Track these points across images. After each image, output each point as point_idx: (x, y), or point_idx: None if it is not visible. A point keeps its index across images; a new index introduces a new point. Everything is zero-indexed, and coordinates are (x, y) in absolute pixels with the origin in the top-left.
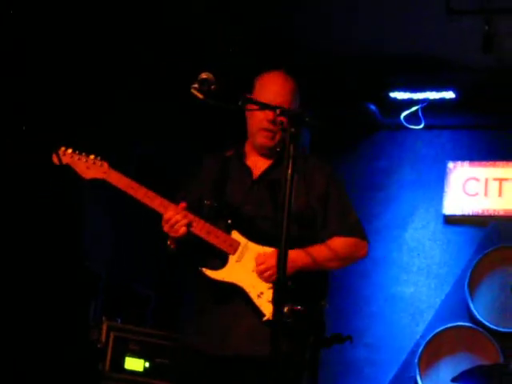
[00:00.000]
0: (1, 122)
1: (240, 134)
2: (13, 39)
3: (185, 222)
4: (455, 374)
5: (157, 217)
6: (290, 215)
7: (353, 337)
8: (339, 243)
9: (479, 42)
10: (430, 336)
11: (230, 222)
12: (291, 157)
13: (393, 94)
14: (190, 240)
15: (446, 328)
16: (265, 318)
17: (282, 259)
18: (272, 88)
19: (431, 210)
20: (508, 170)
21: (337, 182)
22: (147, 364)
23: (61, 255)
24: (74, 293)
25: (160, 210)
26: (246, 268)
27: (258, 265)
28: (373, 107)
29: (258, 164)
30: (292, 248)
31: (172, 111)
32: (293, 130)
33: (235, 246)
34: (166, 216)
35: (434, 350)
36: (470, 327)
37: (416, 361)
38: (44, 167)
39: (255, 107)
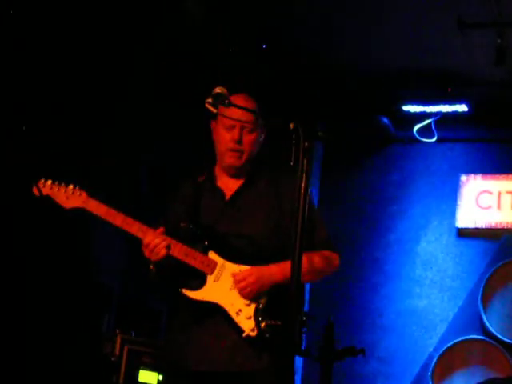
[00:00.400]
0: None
1: None
2: (13, 40)
3: (164, 244)
4: None
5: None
6: (303, 227)
7: (365, 350)
8: (311, 258)
9: (492, 55)
10: (443, 349)
11: (206, 243)
12: (305, 171)
13: (406, 108)
14: (170, 263)
15: (459, 341)
16: (244, 334)
17: (295, 270)
18: (234, 110)
19: (444, 222)
20: None
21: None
22: (161, 377)
23: (71, 269)
24: (86, 306)
25: (139, 235)
26: (224, 287)
27: (237, 282)
28: (386, 120)
29: (228, 185)
30: (266, 263)
31: (173, 111)
32: (306, 143)
33: (212, 266)
34: (146, 241)
35: (446, 363)
36: (483, 340)
37: (429, 374)
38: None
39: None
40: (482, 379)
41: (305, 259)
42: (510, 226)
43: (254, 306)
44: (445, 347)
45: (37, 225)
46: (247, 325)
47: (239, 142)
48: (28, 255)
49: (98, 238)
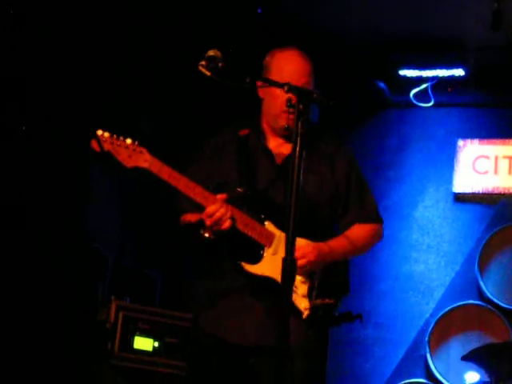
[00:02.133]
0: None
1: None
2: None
3: (229, 215)
4: (465, 352)
5: (164, 198)
6: (298, 196)
7: (362, 316)
8: (359, 233)
9: (488, 20)
10: (440, 314)
11: (263, 216)
12: (299, 134)
13: (402, 72)
14: (228, 233)
15: (456, 306)
16: (304, 316)
17: (289, 243)
18: (291, 68)
19: (441, 188)
20: None
21: (357, 168)
22: (156, 343)
23: (66, 237)
24: (80, 274)
25: (201, 201)
26: (279, 260)
27: (297, 259)
28: (382, 85)
29: (280, 148)
30: (322, 234)
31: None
32: (301, 106)
33: (271, 238)
34: (209, 210)
35: (443, 328)
36: (480, 305)
37: (426, 339)
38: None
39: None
40: (478, 344)
41: (347, 239)
42: (506, 191)
43: (308, 283)
44: (441, 313)
45: (33, 186)
46: (302, 303)
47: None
48: (21, 223)
49: (94, 204)
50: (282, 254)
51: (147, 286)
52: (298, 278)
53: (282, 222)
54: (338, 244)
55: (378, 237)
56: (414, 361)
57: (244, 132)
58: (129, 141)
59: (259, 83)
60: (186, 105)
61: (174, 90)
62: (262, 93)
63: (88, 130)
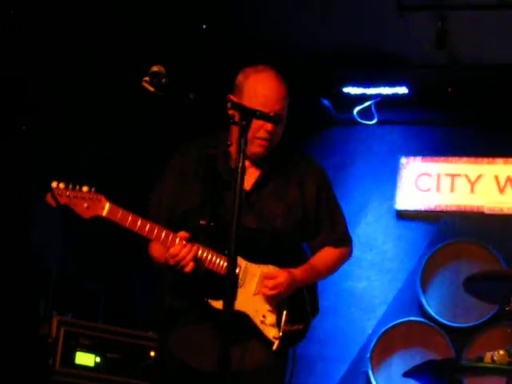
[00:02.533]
0: None
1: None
2: None
3: (191, 256)
4: (407, 368)
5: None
6: (240, 210)
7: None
8: (329, 257)
9: (432, 38)
10: (382, 331)
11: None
12: (242, 150)
13: (346, 89)
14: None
15: (398, 323)
16: (274, 347)
17: (231, 257)
18: (266, 93)
19: (384, 205)
20: (460, 166)
21: (327, 189)
22: (98, 359)
23: (6, 251)
24: (22, 288)
25: (164, 243)
26: (248, 292)
27: (267, 285)
28: (326, 102)
29: (249, 174)
30: (288, 261)
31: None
32: (244, 122)
33: (237, 270)
34: (172, 252)
35: (386, 344)
36: (422, 322)
37: (368, 356)
38: None
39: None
40: (421, 361)
41: (323, 263)
42: (448, 209)
43: (275, 311)
44: (384, 329)
45: None
46: (272, 333)
47: (271, 132)
48: None
49: (37, 218)
50: (248, 284)
51: (90, 300)
52: (266, 308)
53: (248, 251)
54: (306, 272)
55: (346, 258)
56: (356, 377)
57: (214, 151)
58: (85, 189)
59: (232, 99)
60: (135, 124)
61: (120, 108)
62: (232, 112)
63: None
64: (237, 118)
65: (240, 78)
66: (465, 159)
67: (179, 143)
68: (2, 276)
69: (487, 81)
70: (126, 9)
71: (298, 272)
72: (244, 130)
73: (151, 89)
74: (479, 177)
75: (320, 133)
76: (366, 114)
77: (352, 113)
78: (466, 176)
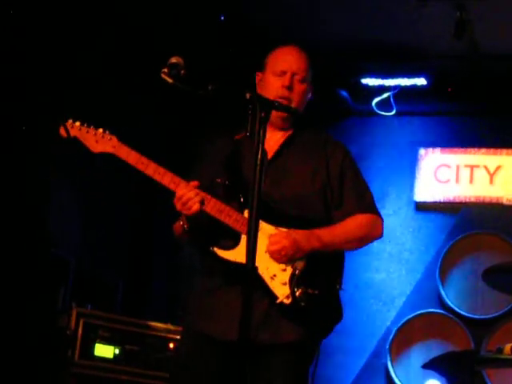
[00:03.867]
0: None
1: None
2: None
3: (198, 198)
4: (426, 360)
5: (125, 205)
6: (259, 199)
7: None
8: (356, 222)
9: (451, 29)
10: (401, 323)
11: (242, 200)
12: (261, 142)
13: (364, 81)
14: (202, 220)
15: (417, 315)
16: (278, 301)
17: (251, 242)
18: (287, 57)
19: (402, 196)
20: (479, 157)
21: (352, 162)
22: (117, 351)
23: (26, 241)
24: (41, 280)
25: (171, 186)
26: (259, 249)
27: (271, 244)
28: (344, 93)
29: (270, 142)
30: (310, 228)
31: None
32: (263, 114)
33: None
34: (179, 193)
35: (405, 336)
36: (441, 314)
37: (387, 347)
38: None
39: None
40: (440, 352)
41: (342, 227)
42: (468, 200)
43: (290, 271)
44: (403, 321)
45: None
46: (281, 291)
47: (289, 87)
48: None
49: (55, 210)
50: (259, 241)
51: (108, 292)
52: (278, 266)
53: (264, 211)
54: (324, 231)
55: (376, 229)
56: (375, 369)
57: (239, 136)
58: (100, 130)
59: (257, 79)
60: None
61: (120, 108)
62: (259, 89)
63: (57, 118)
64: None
65: (268, 55)
66: (484, 150)
67: (205, 134)
68: (21, 268)
69: (507, 70)
70: (135, 5)
71: (313, 231)
72: (263, 122)
73: (170, 80)
74: (498, 168)
75: (338, 124)
76: (384, 105)
77: (370, 104)
78: (485, 167)
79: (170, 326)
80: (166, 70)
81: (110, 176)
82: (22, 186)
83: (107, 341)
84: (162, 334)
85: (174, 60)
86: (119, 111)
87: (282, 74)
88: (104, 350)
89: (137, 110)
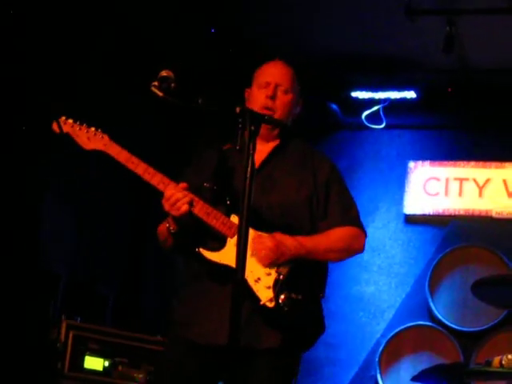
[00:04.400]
0: None
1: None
2: None
3: (186, 200)
4: (415, 372)
5: (117, 217)
6: (249, 210)
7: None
8: (339, 233)
9: (440, 43)
10: (391, 335)
11: (228, 203)
12: (251, 155)
13: (354, 94)
14: (189, 221)
15: (407, 327)
16: (261, 303)
17: (240, 252)
18: (271, 70)
19: (392, 209)
20: (468, 170)
21: (339, 176)
22: (107, 363)
23: (16, 254)
24: (31, 292)
25: (160, 187)
26: None
27: (254, 245)
28: (334, 106)
29: (258, 149)
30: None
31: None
32: (252, 127)
33: (234, 228)
34: (167, 194)
35: (394, 349)
36: (431, 326)
37: (376, 360)
38: None
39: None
40: (429, 365)
41: (324, 236)
42: (457, 213)
43: (274, 275)
44: (392, 333)
45: None
46: (265, 294)
47: (272, 97)
48: None
49: (46, 220)
50: None
51: (98, 304)
52: (264, 270)
53: (257, 223)
54: (307, 239)
55: (358, 242)
56: (365, 381)
57: (227, 146)
58: (92, 128)
59: (246, 95)
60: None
61: (120, 109)
62: (248, 105)
63: (51, 115)
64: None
65: (255, 72)
66: (473, 163)
67: (194, 148)
68: (11, 279)
69: (495, 85)
70: (132, 10)
71: (296, 238)
72: (253, 135)
73: (160, 94)
74: (487, 181)
75: (328, 137)
76: (374, 118)
77: (360, 117)
78: (475, 180)
79: (159, 339)
80: (156, 83)
81: (103, 188)
82: (13, 197)
83: (97, 353)
84: (152, 347)
85: (164, 73)
86: (118, 112)
87: (266, 85)
88: (94, 363)
89: (136, 110)
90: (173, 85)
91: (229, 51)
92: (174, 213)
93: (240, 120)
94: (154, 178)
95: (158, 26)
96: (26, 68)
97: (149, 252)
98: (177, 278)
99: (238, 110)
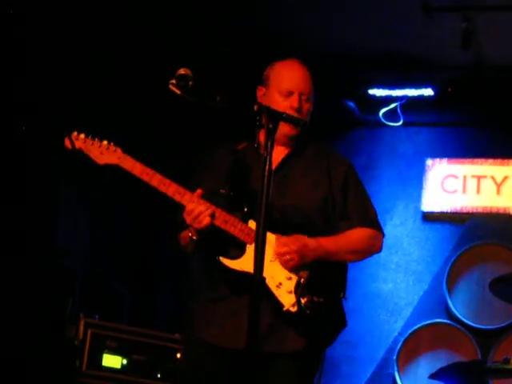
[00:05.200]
0: None
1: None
2: None
3: (208, 212)
4: (433, 370)
5: (132, 214)
6: (266, 210)
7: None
8: (359, 234)
9: (458, 39)
10: (409, 333)
11: (246, 210)
12: (269, 153)
13: (371, 91)
14: (210, 230)
15: (425, 325)
16: (284, 309)
17: (258, 254)
18: (292, 76)
19: (410, 206)
20: (486, 168)
21: (355, 176)
22: (125, 361)
23: (34, 252)
24: (50, 290)
25: (176, 197)
26: (265, 258)
27: (278, 248)
28: (351, 104)
29: (274, 154)
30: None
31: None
32: (270, 125)
33: (253, 235)
34: (189, 207)
35: (412, 346)
36: (448, 324)
37: (394, 358)
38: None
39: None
40: (447, 363)
41: (345, 238)
42: (475, 210)
43: (295, 279)
44: (410, 331)
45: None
46: (287, 299)
47: (298, 110)
48: None
49: (63, 220)
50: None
51: (115, 302)
52: (284, 274)
53: (268, 220)
54: (328, 240)
55: (376, 244)
56: (382, 379)
57: (241, 146)
58: (104, 142)
59: (260, 94)
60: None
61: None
62: (263, 102)
63: (63, 130)
64: (263, 121)
65: (267, 69)
66: (491, 161)
67: (205, 146)
68: (29, 277)
69: None
70: (143, 10)
71: (317, 239)
72: (271, 133)
73: (178, 92)
74: (505, 178)
75: (345, 135)
76: (391, 115)
77: (378, 114)
78: (492, 177)
79: (177, 336)
80: (174, 81)
81: (118, 186)
82: (29, 195)
83: (115, 351)
84: (170, 344)
85: (182, 71)
86: (119, 119)
87: (288, 94)
88: (112, 361)
89: (136, 118)
90: (190, 83)
91: (245, 50)
92: (197, 226)
93: (258, 118)
94: (170, 188)
95: (171, 24)
96: (26, 68)
97: (165, 250)
98: (191, 277)
99: (256, 107)
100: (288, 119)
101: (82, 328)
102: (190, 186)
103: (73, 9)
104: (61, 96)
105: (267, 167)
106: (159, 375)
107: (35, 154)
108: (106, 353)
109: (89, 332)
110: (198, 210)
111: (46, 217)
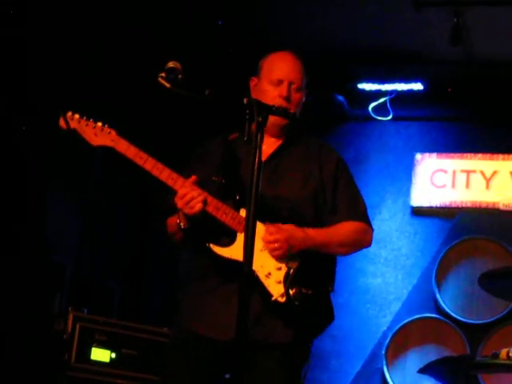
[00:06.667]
0: None
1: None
2: None
3: (201, 198)
4: (422, 365)
5: (122, 209)
6: (256, 205)
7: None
8: (349, 227)
9: (448, 34)
10: (397, 327)
11: (238, 198)
12: (259, 146)
13: (361, 86)
14: (200, 217)
15: (413, 319)
16: (273, 299)
17: (248, 246)
18: (283, 65)
19: (399, 201)
20: (475, 162)
21: (346, 170)
22: (113, 355)
23: (23, 246)
24: (38, 284)
25: (168, 182)
26: (255, 247)
27: (266, 236)
28: (341, 98)
29: (265, 146)
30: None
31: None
32: (260, 118)
33: (243, 223)
34: (181, 192)
35: (401, 341)
36: (437, 319)
37: (383, 352)
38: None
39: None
40: (436, 357)
41: (334, 230)
42: (464, 205)
43: (284, 270)
44: (399, 325)
45: None
46: (276, 289)
47: (287, 98)
48: None
49: (52, 214)
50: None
51: (105, 296)
52: (273, 264)
53: (259, 209)
54: (317, 232)
55: (365, 237)
56: (371, 373)
57: (233, 136)
58: (99, 123)
59: (252, 84)
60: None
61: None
62: (254, 94)
63: (58, 110)
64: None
65: (261, 60)
66: (480, 155)
67: (198, 140)
68: (17, 271)
69: (503, 77)
70: (135, 5)
71: (305, 230)
72: (260, 126)
73: (167, 85)
74: (494, 173)
75: (335, 129)
76: (381, 110)
77: (367, 109)
78: (482, 172)
79: (166, 330)
80: (163, 74)
81: (108, 180)
82: (18, 189)
83: (104, 345)
84: (159, 338)
85: (171, 64)
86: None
87: (278, 82)
88: (100, 354)
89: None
90: (180, 76)
91: (235, 43)
92: (188, 211)
93: (247, 111)
94: (163, 173)
95: (163, 19)
96: (26, 68)
97: (155, 244)
98: (181, 270)
99: (245, 100)
100: (277, 112)
101: (70, 322)
102: (183, 175)
103: (72, 9)
104: (55, 93)
105: (257, 159)
106: (148, 369)
107: (25, 148)
108: (95, 346)
109: (77, 326)
110: (190, 194)
111: (35, 211)
